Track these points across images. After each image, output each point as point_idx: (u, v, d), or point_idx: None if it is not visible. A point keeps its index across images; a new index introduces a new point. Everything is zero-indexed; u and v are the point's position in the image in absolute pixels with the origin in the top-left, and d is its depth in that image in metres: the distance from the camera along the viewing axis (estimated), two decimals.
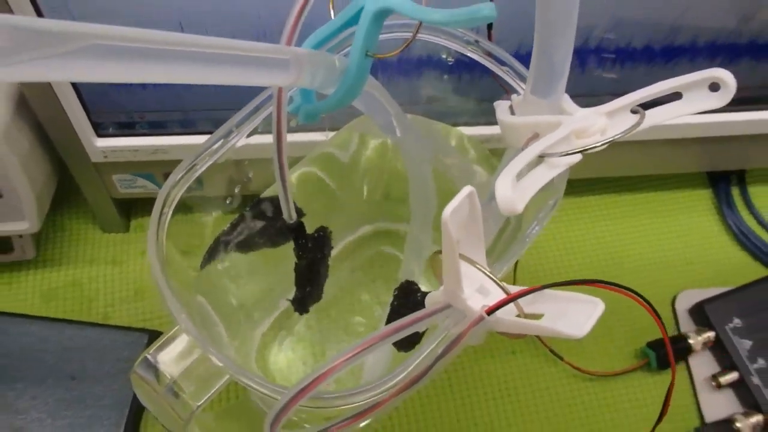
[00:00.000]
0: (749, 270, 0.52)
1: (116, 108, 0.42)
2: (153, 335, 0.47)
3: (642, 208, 0.56)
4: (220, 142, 0.29)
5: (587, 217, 0.55)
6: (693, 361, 0.48)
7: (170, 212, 0.26)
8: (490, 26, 0.31)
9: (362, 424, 0.35)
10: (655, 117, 0.24)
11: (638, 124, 0.24)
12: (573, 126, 0.24)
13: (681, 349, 0.48)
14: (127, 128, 0.44)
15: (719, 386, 0.46)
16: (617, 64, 0.45)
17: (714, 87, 0.24)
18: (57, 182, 0.48)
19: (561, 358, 0.47)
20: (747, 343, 0.47)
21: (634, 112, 0.25)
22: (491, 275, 0.22)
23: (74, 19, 0.35)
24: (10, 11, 0.34)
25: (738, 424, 0.44)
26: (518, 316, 0.21)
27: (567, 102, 0.26)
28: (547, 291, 0.21)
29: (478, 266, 0.22)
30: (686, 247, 0.54)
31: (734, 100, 0.47)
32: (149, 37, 0.17)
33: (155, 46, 0.18)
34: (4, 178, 0.41)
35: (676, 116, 0.24)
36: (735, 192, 0.56)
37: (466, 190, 0.20)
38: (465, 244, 0.22)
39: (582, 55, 0.43)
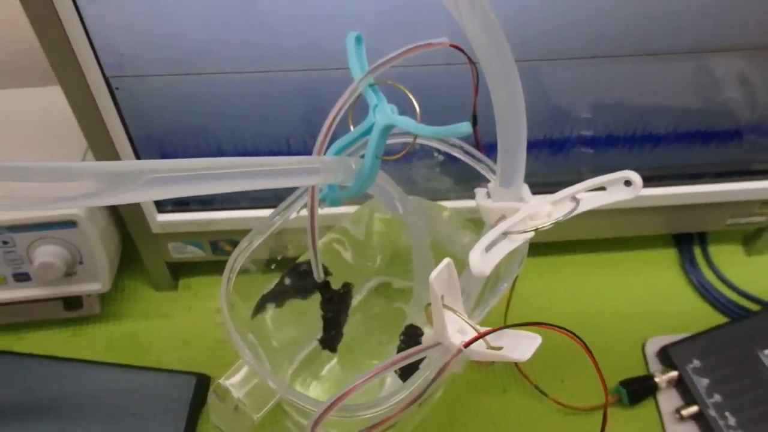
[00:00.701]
0: (708, 318, 0.60)
1: None
2: (199, 378, 0.55)
3: (617, 266, 0.65)
4: (268, 224, 0.38)
5: (570, 273, 0.64)
6: (660, 397, 0.56)
7: (234, 277, 0.36)
8: (476, 134, 0.40)
9: None
10: (586, 204, 0.33)
11: (574, 209, 0.33)
12: (528, 211, 0.33)
13: (649, 387, 0.55)
14: (182, 205, 0.53)
15: (682, 418, 0.54)
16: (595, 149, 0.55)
17: (627, 183, 0.33)
18: (122, 250, 0.58)
19: (546, 395, 0.55)
20: (705, 381, 0.55)
21: (572, 200, 0.34)
22: (467, 320, 0.31)
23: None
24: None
25: None
26: (487, 348, 0.30)
27: (525, 191, 0.35)
28: (506, 330, 0.30)
29: (457, 313, 0.31)
30: (655, 299, 0.62)
31: (694, 176, 0.55)
32: (202, 165, 0.26)
33: (209, 171, 0.26)
34: (86, 249, 0.51)
35: (601, 204, 0.33)
36: (697, 251, 0.65)
37: (445, 261, 0.29)
38: (447, 298, 0.30)
39: (566, 143, 0.54)
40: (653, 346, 0.58)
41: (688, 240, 0.65)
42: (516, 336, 0.30)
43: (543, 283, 0.63)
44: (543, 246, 0.64)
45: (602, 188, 0.34)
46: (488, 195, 0.38)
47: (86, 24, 0.39)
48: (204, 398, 0.55)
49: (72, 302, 0.59)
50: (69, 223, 0.49)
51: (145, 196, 0.25)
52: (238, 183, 0.28)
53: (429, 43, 0.35)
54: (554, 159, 0.55)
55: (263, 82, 0.46)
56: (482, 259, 0.31)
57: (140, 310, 0.61)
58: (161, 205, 0.53)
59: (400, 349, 0.40)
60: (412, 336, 0.39)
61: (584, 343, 0.31)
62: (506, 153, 0.33)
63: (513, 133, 0.32)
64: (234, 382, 0.33)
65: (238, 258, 0.36)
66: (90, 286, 0.54)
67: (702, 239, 0.66)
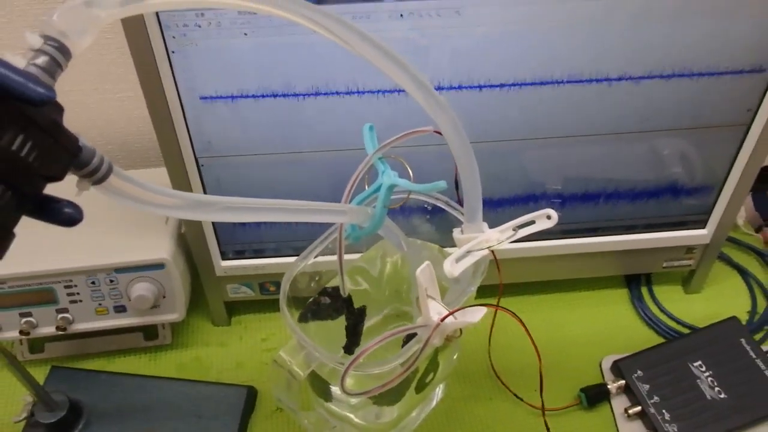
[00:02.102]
0: (651, 341, 0.75)
1: (235, 242, 0.70)
2: (249, 389, 0.71)
3: (580, 302, 0.80)
4: (307, 256, 0.55)
5: (543, 308, 0.80)
6: (613, 400, 0.70)
7: (288, 286, 0.52)
8: (458, 192, 0.57)
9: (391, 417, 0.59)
10: (522, 232, 0.50)
11: (513, 235, 0.50)
12: (484, 237, 0.50)
13: (604, 392, 0.70)
14: (240, 254, 0.71)
15: (629, 416, 0.69)
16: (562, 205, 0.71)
17: (549, 217, 0.50)
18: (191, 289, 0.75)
19: (522, 400, 0.70)
20: (646, 387, 0.69)
21: (513, 230, 0.51)
22: (442, 304, 0.47)
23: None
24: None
25: None
26: (455, 320, 0.46)
27: (484, 226, 0.52)
28: (466, 309, 0.46)
29: (437, 300, 0.47)
30: (610, 327, 0.78)
31: (640, 227, 0.71)
32: (261, 204, 0.43)
33: (266, 206, 0.44)
34: (169, 286, 0.68)
35: (531, 231, 0.50)
36: (644, 289, 0.81)
37: (426, 262, 0.46)
38: (430, 290, 0.47)
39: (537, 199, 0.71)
40: (608, 362, 0.73)
41: (636, 281, 0.82)
42: (472, 311, 0.46)
43: (520, 316, 0.79)
44: (520, 286, 0.81)
45: (532, 222, 0.51)
46: (462, 232, 0.55)
47: (188, 124, 0.58)
48: (253, 405, 0.71)
49: (150, 334, 0.75)
50: (159, 266, 0.67)
51: (216, 218, 0.41)
52: (293, 216, 0.46)
53: (419, 130, 0.53)
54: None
55: (300, 160, 0.64)
56: (452, 267, 0.48)
57: (202, 340, 0.77)
58: (224, 254, 0.70)
59: (403, 345, 0.56)
60: (411, 338, 0.55)
61: (523, 323, 0.48)
62: (469, 201, 0.50)
63: (472, 190, 0.49)
64: (288, 352, 0.49)
65: (293, 271, 0.53)
66: (170, 316, 0.71)
67: (648, 281, 0.82)
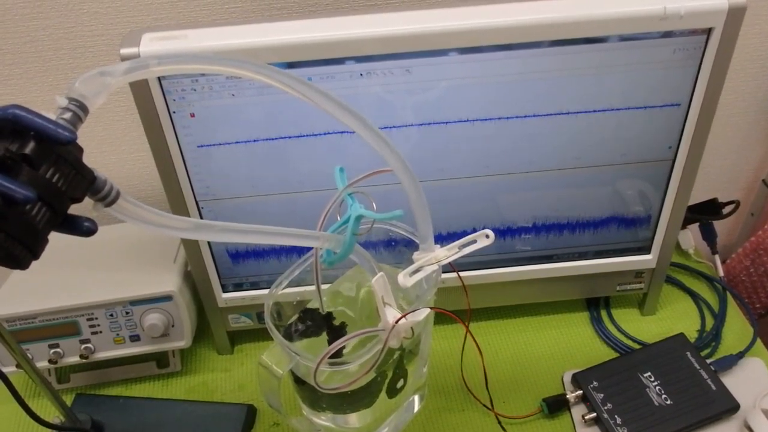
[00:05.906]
0: (608, 356, 0.84)
1: (234, 276, 0.81)
2: (249, 407, 0.80)
3: (545, 324, 0.89)
4: (286, 280, 0.65)
5: (510, 331, 0.89)
6: (572, 409, 0.79)
7: (271, 302, 0.62)
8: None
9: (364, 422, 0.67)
10: (465, 250, 0.60)
11: (458, 253, 0.60)
12: (433, 255, 0.60)
13: (563, 401, 0.78)
14: (238, 287, 0.81)
15: (586, 422, 0.77)
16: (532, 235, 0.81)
17: (487, 236, 0.60)
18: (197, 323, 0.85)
19: (489, 409, 0.79)
20: (600, 395, 0.78)
21: (458, 248, 0.61)
22: (396, 309, 0.57)
23: None
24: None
25: None
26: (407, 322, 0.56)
27: (435, 246, 0.62)
28: (416, 311, 0.56)
29: (392, 306, 0.57)
30: (571, 346, 0.86)
31: (591, 253, 0.81)
32: (249, 228, 0.54)
33: (255, 230, 0.54)
34: (177, 316, 0.78)
35: (473, 249, 0.60)
36: (603, 312, 0.90)
37: (380, 273, 0.56)
38: (385, 297, 0.57)
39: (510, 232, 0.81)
40: (568, 376, 0.82)
41: (596, 305, 0.90)
42: (418, 312, 0.56)
43: (491, 338, 0.88)
44: (493, 311, 0.90)
45: (474, 241, 0.61)
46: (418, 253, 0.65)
47: (189, 174, 0.70)
48: (253, 421, 0.80)
49: (162, 362, 0.85)
50: (167, 297, 0.77)
51: (214, 237, 0.52)
52: (275, 238, 0.56)
53: (382, 170, 0.63)
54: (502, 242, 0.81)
55: (289, 198, 0.75)
56: (405, 279, 0.58)
57: (208, 367, 0.87)
58: (224, 287, 0.81)
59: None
60: None
61: (461, 320, 0.57)
62: (421, 227, 0.60)
63: (422, 218, 0.59)
64: (268, 355, 0.59)
65: (274, 291, 0.63)
66: (178, 343, 0.81)
67: (606, 302, 0.91)
